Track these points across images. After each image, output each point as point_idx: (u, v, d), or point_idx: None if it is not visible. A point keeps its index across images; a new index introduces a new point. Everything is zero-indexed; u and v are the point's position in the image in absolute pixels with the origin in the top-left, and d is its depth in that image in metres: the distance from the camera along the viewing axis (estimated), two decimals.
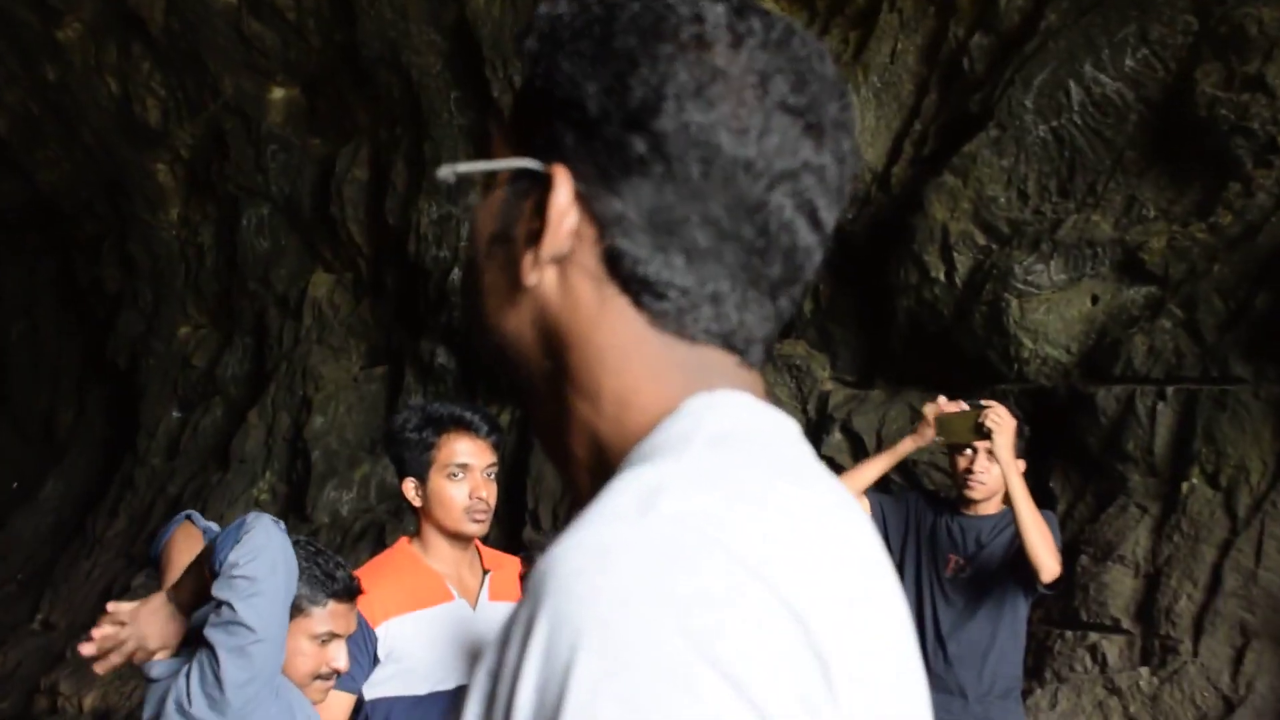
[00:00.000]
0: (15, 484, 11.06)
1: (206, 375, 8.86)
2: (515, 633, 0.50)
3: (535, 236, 0.62)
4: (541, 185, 0.63)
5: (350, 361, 7.45)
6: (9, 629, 8.72)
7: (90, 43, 8.44)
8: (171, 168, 8.91)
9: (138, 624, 1.88)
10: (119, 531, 8.69)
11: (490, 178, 0.68)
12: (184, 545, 2.18)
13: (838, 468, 3.92)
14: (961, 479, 3.17)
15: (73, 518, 9.80)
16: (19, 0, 8.29)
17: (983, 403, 3.09)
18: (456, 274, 5.97)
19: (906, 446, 3.24)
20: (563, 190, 0.62)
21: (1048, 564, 2.98)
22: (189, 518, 2.20)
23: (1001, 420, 3.00)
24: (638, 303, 0.61)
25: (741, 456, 0.57)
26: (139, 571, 7.74)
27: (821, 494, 0.58)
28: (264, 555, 1.83)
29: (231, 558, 1.88)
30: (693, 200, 0.59)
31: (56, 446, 10.93)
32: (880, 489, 3.55)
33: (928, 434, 3.17)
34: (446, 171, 0.66)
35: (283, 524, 2.06)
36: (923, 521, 3.34)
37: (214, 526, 2.22)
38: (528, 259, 0.63)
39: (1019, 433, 3.12)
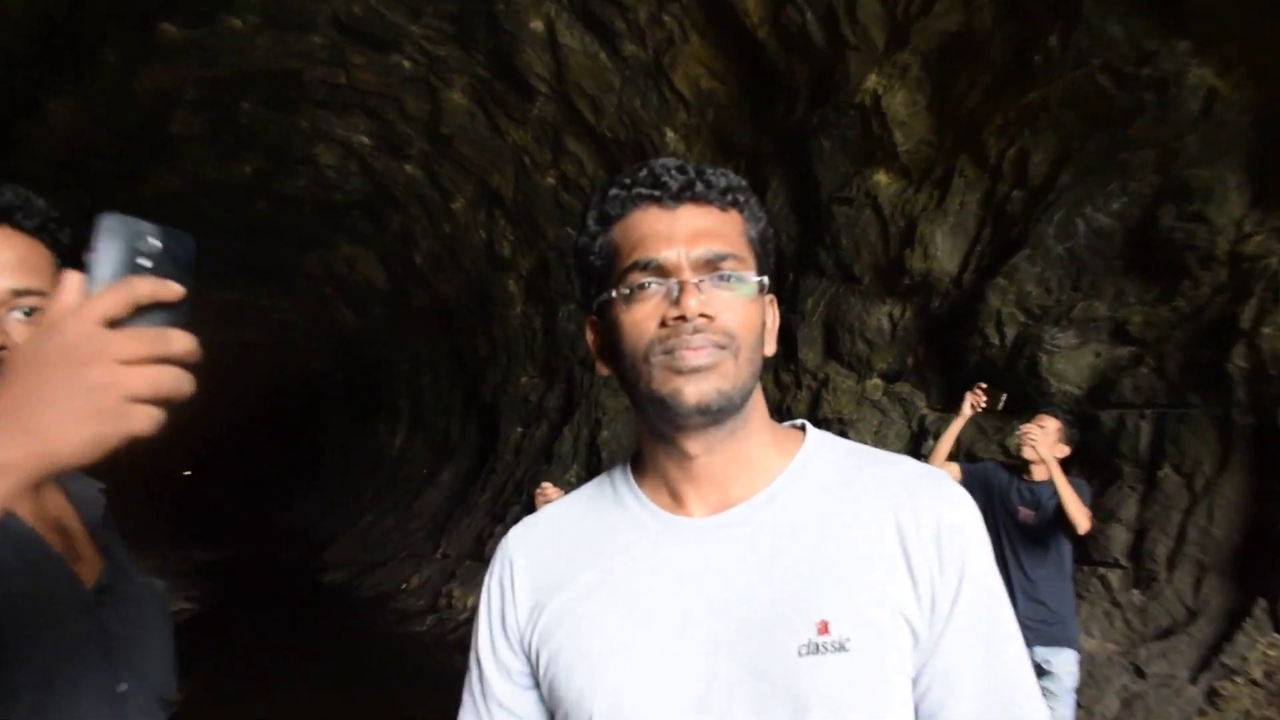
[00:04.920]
0: (425, 471, 11.73)
1: (538, 407, 9.24)
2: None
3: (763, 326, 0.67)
4: (762, 294, 0.67)
5: (624, 398, 6.60)
6: (423, 558, 9.41)
7: (469, 208, 9.18)
8: (516, 283, 9.47)
9: None
10: (487, 499, 9.32)
11: (762, 286, 0.67)
12: None
13: (926, 459, 3.66)
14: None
15: (459, 491, 10.38)
16: (428, 185, 9.08)
17: (1022, 432, 2.93)
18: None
19: (957, 425, 3.16)
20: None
21: (1081, 522, 2.81)
22: None
23: (1036, 441, 2.88)
24: None
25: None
26: (499, 523, 8.24)
27: None
28: None
29: None
30: None
31: (449, 449, 11.50)
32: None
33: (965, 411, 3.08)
34: (758, 282, 0.66)
35: None
36: (997, 482, 3.08)
37: None
38: (771, 338, 0.69)
39: (1066, 433, 2.97)
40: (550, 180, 8.02)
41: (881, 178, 5.29)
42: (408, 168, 8.77)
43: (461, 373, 11.22)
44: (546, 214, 8.34)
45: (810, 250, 5.86)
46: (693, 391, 0.62)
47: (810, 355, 5.80)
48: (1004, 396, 3.22)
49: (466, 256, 9.71)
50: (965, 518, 0.64)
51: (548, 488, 2.72)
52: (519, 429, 9.42)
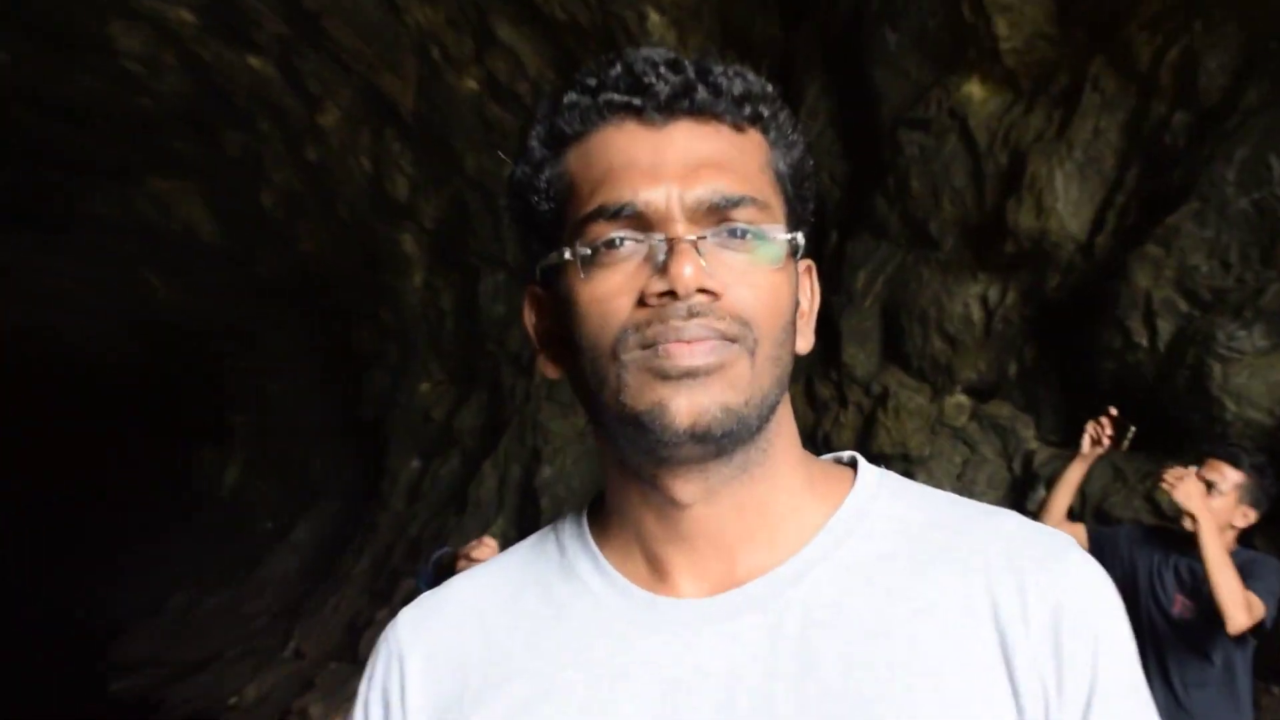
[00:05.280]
0: (271, 525, 11.94)
1: (445, 428, 9.35)
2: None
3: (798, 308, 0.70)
4: (796, 261, 0.69)
5: (577, 417, 7.86)
6: (265, 657, 9.55)
7: (347, 126, 9.31)
8: (416, 238, 9.56)
9: None
10: (363, 570, 9.44)
11: (794, 247, 0.68)
12: None
13: (1035, 517, 3.98)
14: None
15: (323, 556, 10.53)
16: (285, 89, 9.18)
17: (1163, 474, 2.96)
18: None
19: (1077, 470, 3.21)
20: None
21: (1234, 617, 2.77)
22: None
23: (1176, 484, 2.90)
24: None
25: None
26: (382, 606, 8.36)
27: None
28: None
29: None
30: None
31: (310, 491, 11.69)
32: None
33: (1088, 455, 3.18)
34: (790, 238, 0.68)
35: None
36: (1143, 555, 3.13)
37: None
38: (808, 327, 0.72)
39: (1252, 488, 2.98)
40: (471, 84, 8.09)
41: (974, 90, 5.32)
42: (253, 61, 8.78)
43: (331, 375, 11.35)
44: (465, 134, 8.40)
45: (864, 197, 5.86)
46: (685, 406, 0.63)
47: (861, 357, 5.82)
48: (1132, 430, 3.26)
49: (342, 198, 9.75)
50: (1098, 604, 0.65)
51: (486, 545, 2.65)
52: (416, 462, 9.60)
